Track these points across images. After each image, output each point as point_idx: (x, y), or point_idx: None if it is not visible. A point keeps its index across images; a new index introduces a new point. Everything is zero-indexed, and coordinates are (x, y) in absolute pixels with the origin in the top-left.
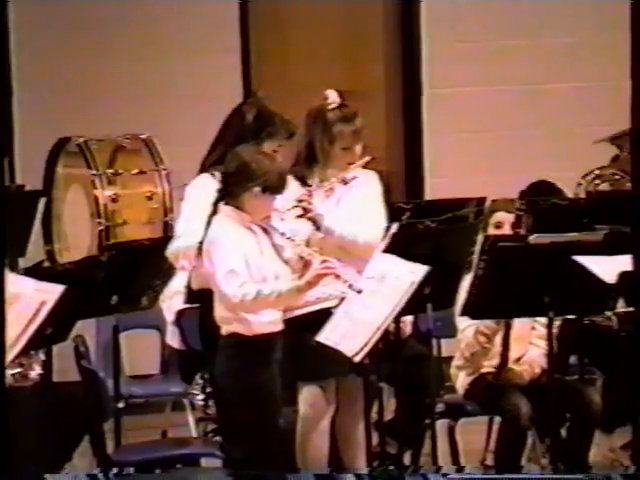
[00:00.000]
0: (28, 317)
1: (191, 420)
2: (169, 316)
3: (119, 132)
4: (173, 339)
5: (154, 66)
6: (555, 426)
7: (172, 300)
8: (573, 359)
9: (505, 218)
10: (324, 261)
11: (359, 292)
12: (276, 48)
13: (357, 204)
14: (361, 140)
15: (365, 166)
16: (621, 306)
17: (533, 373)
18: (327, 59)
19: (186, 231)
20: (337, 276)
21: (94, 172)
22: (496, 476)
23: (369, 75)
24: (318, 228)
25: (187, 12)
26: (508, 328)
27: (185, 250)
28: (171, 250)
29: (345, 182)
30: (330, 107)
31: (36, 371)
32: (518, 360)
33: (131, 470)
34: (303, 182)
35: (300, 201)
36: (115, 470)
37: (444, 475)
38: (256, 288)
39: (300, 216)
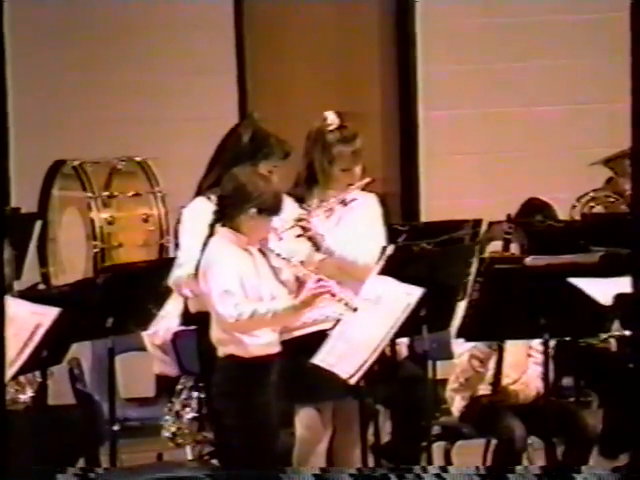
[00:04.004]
0: (23, 340)
1: None
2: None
3: (115, 154)
4: (162, 366)
5: (149, 88)
6: (551, 448)
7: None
8: (569, 381)
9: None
10: (319, 280)
11: (354, 310)
12: (272, 70)
13: (357, 226)
14: (361, 161)
15: (364, 188)
16: (616, 328)
17: (528, 394)
18: (323, 80)
19: (187, 259)
20: (332, 295)
21: (90, 195)
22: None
23: (365, 97)
24: (318, 248)
25: (183, 34)
26: (501, 352)
27: (187, 278)
28: (173, 279)
29: (344, 203)
30: (330, 128)
31: (28, 394)
32: (514, 384)
33: None
34: (303, 203)
35: (299, 220)
36: None
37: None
38: (251, 308)
39: (299, 235)
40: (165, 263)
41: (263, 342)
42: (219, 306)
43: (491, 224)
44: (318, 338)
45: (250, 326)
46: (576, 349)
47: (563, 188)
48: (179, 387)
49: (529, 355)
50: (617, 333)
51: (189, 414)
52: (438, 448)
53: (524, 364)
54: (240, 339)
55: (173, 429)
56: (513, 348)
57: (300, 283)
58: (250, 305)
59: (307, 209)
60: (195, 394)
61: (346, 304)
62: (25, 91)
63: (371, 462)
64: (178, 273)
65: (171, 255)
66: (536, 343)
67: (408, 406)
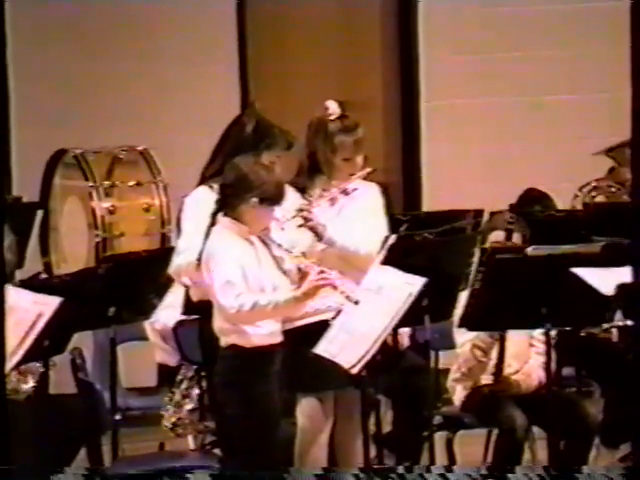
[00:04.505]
0: (25, 329)
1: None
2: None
3: (116, 144)
4: (162, 355)
5: (151, 78)
6: (552, 438)
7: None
8: (570, 371)
9: (503, 237)
10: (321, 272)
11: (356, 303)
12: (274, 59)
13: (358, 216)
14: (362, 151)
15: (365, 178)
16: (618, 318)
17: (530, 384)
18: (325, 70)
19: (187, 247)
20: (334, 287)
21: (91, 184)
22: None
23: (367, 86)
24: (320, 238)
25: (184, 23)
26: (503, 342)
27: (186, 266)
28: (173, 267)
29: (346, 193)
30: (331, 118)
31: (30, 384)
32: (515, 374)
33: None
34: (305, 193)
35: (300, 210)
36: None
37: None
38: (253, 299)
39: (301, 225)
40: (166, 253)
41: (265, 332)
42: (221, 297)
43: (493, 214)
44: (320, 328)
45: (251, 317)
46: (578, 339)
47: (565, 178)
48: (179, 377)
49: (531, 345)
50: (620, 323)
51: (189, 405)
52: (440, 438)
53: (526, 354)
54: (242, 329)
55: (173, 419)
56: (515, 338)
57: (302, 274)
58: (251, 296)
59: (309, 199)
60: (196, 384)
61: (347, 297)
62: (27, 81)
63: (373, 452)
64: (178, 261)
65: (173, 245)
66: (538, 333)
67: (410, 396)
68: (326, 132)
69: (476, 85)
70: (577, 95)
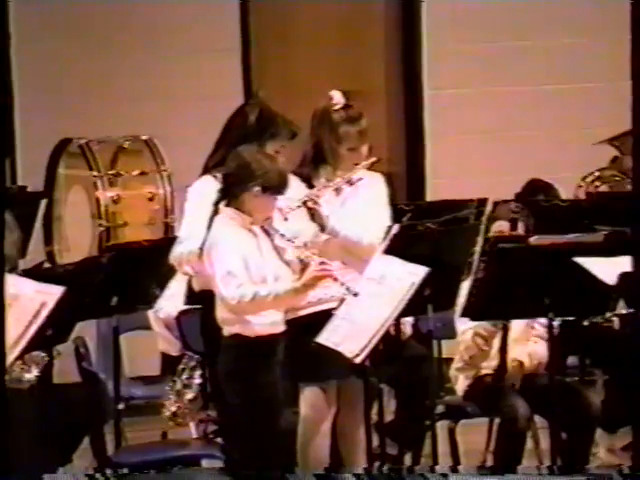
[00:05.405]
0: (28, 318)
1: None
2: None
3: (120, 133)
4: (164, 344)
5: (155, 67)
6: (556, 427)
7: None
8: (574, 360)
9: (506, 226)
10: (322, 263)
11: (355, 295)
12: (277, 49)
13: (362, 206)
14: (367, 140)
15: (370, 167)
16: (621, 307)
17: (532, 365)
18: (328, 59)
19: (188, 236)
20: (335, 279)
21: (95, 173)
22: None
23: (370, 76)
24: (323, 229)
25: (187, 12)
26: (506, 330)
27: (188, 255)
28: (174, 256)
29: (350, 183)
30: (335, 108)
31: (33, 373)
32: (516, 357)
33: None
34: (309, 183)
35: (305, 201)
36: (110, 471)
37: (444, 475)
38: (253, 289)
39: (308, 209)
40: (170, 242)
41: (268, 321)
42: (222, 287)
43: (496, 203)
44: (323, 317)
45: (252, 308)
46: (580, 328)
47: (568, 167)
48: (181, 366)
49: (532, 327)
50: (624, 312)
51: (190, 394)
52: (442, 427)
53: (526, 338)
54: (245, 318)
55: (174, 408)
56: (516, 325)
57: (304, 264)
58: (252, 287)
59: (314, 191)
60: (198, 373)
61: (347, 289)
62: (31, 70)
63: (375, 441)
64: (179, 250)
65: (176, 234)
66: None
67: (412, 385)
68: (331, 122)
69: (479, 74)
70: (580, 84)
